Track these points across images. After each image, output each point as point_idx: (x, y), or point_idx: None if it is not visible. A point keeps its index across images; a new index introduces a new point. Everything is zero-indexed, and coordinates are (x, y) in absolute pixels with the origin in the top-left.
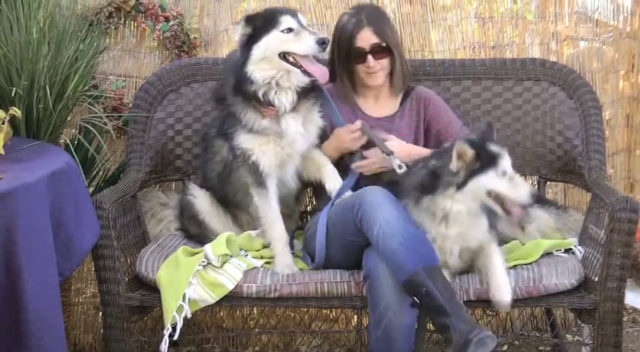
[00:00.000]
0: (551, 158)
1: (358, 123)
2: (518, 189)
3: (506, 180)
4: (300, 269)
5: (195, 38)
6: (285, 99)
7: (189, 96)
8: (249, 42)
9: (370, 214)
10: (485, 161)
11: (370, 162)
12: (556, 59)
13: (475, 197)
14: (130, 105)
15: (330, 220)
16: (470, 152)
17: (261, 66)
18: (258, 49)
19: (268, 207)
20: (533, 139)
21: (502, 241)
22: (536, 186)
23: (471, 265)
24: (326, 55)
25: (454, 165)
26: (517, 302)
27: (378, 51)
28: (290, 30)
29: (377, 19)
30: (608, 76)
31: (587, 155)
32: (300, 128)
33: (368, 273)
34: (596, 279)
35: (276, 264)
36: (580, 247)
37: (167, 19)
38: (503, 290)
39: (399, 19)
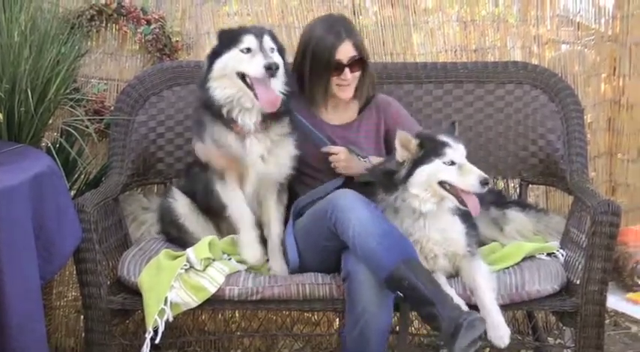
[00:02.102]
0: (533, 161)
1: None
2: (466, 177)
3: (454, 169)
4: (258, 270)
5: (177, 41)
6: (248, 119)
7: (171, 100)
8: (213, 56)
9: (343, 218)
10: (430, 150)
11: (339, 148)
12: (538, 62)
13: (426, 187)
14: (112, 108)
15: (304, 227)
16: (413, 140)
17: (223, 83)
18: (218, 65)
19: (232, 194)
20: (514, 142)
21: (482, 243)
22: (517, 190)
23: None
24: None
25: (399, 154)
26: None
27: (354, 64)
28: (249, 50)
29: (353, 31)
30: (589, 79)
31: (568, 158)
32: (263, 151)
33: (347, 275)
34: (578, 282)
35: (241, 248)
36: (562, 250)
37: (149, 22)
38: (501, 329)
39: (381, 22)
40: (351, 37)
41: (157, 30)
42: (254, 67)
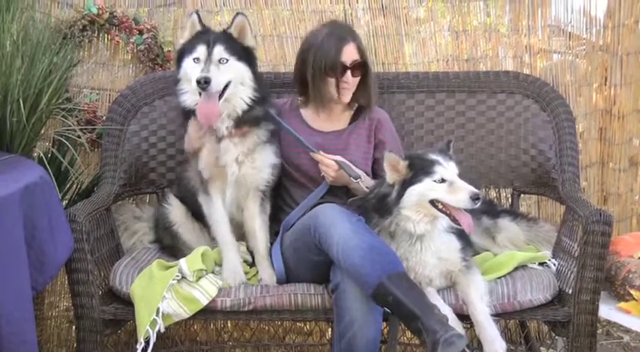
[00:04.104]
0: (525, 170)
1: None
2: (456, 194)
3: (444, 187)
4: (249, 280)
5: (168, 51)
6: (220, 123)
7: (163, 109)
8: (182, 54)
9: (326, 234)
10: (420, 170)
11: (330, 163)
12: (529, 72)
13: (418, 208)
14: (104, 118)
15: (292, 244)
16: (401, 162)
17: (190, 88)
18: (180, 72)
19: (213, 209)
20: (506, 152)
21: (474, 252)
22: (510, 199)
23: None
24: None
25: (389, 177)
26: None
27: (356, 67)
28: (197, 60)
29: (356, 35)
30: (581, 88)
31: (560, 167)
32: (238, 153)
33: (335, 287)
34: (570, 292)
35: (223, 269)
36: (554, 260)
37: (141, 32)
38: (496, 344)
39: (373, 31)
40: (355, 40)
41: (149, 40)
42: (193, 77)
